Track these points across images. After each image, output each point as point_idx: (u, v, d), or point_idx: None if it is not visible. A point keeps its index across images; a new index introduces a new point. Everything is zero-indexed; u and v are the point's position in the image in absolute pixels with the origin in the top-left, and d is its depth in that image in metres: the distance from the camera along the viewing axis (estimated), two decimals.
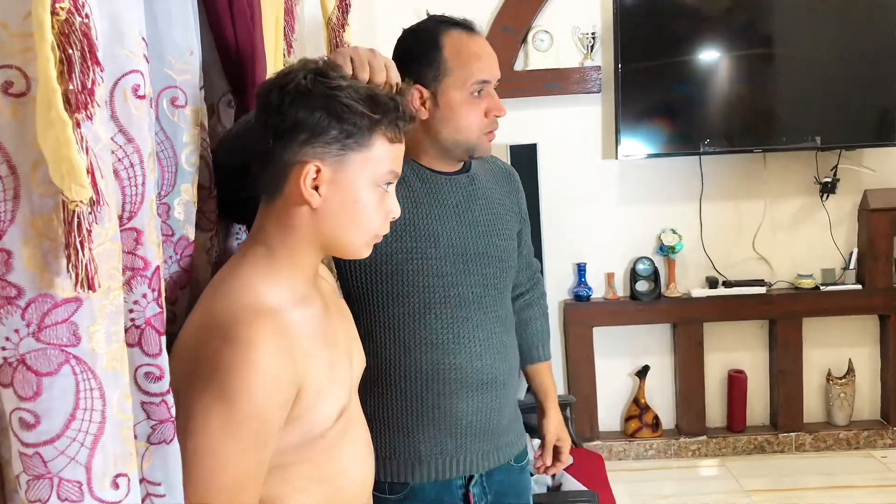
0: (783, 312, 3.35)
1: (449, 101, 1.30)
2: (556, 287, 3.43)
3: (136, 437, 0.81)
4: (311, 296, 1.01)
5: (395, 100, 0.99)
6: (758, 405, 3.49)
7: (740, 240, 3.39)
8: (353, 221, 0.98)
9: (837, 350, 3.45)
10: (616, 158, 3.25)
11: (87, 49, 0.65)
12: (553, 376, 1.64)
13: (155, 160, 0.87)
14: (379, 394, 1.32)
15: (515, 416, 1.47)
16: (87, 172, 0.67)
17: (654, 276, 3.36)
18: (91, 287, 0.68)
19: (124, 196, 0.79)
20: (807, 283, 3.33)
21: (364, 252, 1.04)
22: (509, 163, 3.13)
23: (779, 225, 3.37)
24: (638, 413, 3.45)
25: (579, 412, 3.40)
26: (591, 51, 3.26)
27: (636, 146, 3.22)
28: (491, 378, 1.36)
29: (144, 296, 0.80)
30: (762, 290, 3.33)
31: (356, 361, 1.11)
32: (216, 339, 0.88)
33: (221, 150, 1.07)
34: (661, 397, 3.49)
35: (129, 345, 0.80)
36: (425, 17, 3.25)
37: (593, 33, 3.24)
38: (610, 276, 3.41)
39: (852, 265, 3.34)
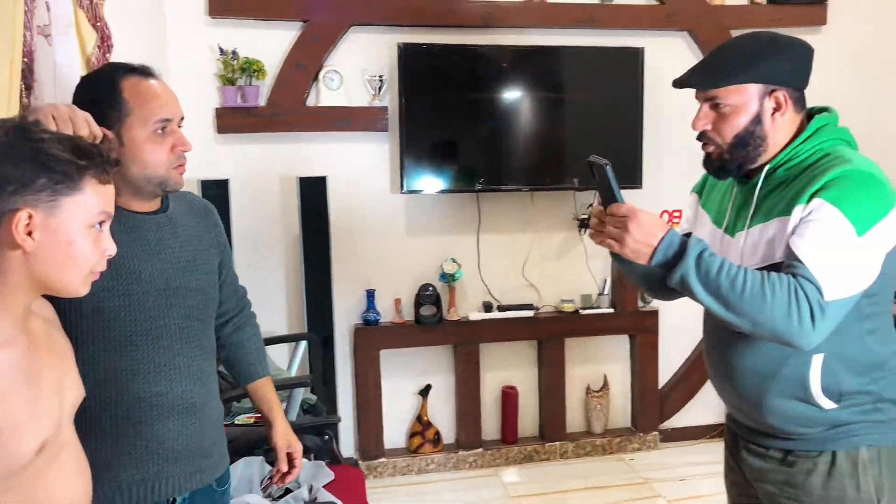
0: (549, 333, 3.75)
1: (133, 140, 1.39)
2: (347, 313, 3.60)
3: None
4: (14, 337, 1.08)
5: (98, 146, 1.12)
6: (528, 418, 3.85)
7: (512, 268, 3.75)
8: (68, 262, 1.08)
9: (595, 366, 3.90)
10: (402, 193, 3.50)
11: None
12: (274, 390, 1.77)
13: None
14: (79, 429, 1.34)
15: (218, 439, 1.58)
16: None
17: (437, 301, 3.63)
18: None
19: None
20: (568, 307, 3.75)
21: (82, 290, 1.13)
22: (298, 193, 3.31)
23: (545, 256, 3.77)
24: (420, 430, 3.70)
25: (366, 431, 3.59)
26: (380, 92, 3.49)
27: (420, 182, 3.48)
28: (191, 403, 1.47)
29: None
30: (531, 313, 3.70)
31: (69, 392, 1.18)
32: None
33: None
34: (443, 414, 3.76)
35: None
36: (219, 51, 3.35)
37: (381, 76, 3.47)
38: (397, 302, 3.64)
39: (606, 291, 3.80)
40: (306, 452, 2.75)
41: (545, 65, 3.56)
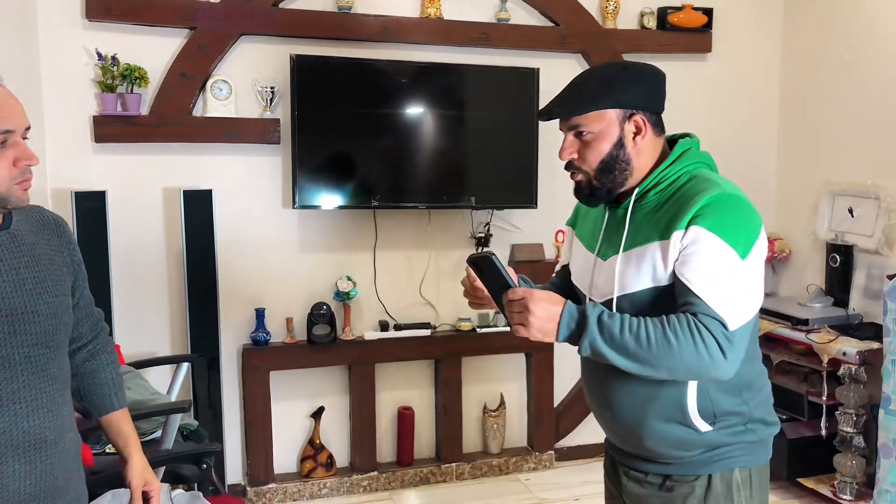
0: (446, 352, 3.70)
1: None
2: (235, 332, 3.46)
3: None
4: None
5: None
6: (425, 439, 3.79)
7: (409, 287, 3.69)
8: None
9: (492, 385, 3.88)
10: (294, 208, 3.39)
11: None
12: (131, 422, 1.65)
13: None
14: None
15: (75, 475, 1.46)
16: None
17: (331, 320, 3.52)
18: None
19: None
20: (466, 326, 3.72)
21: None
22: (182, 206, 3.15)
23: (442, 273, 3.73)
24: (313, 453, 3.57)
25: (255, 456, 3.44)
26: (271, 104, 3.38)
27: (314, 197, 3.38)
28: (40, 439, 1.34)
29: None
30: (428, 332, 3.65)
31: None
32: None
33: None
34: (336, 437, 3.65)
35: None
36: (97, 56, 3.17)
37: (272, 87, 3.37)
38: (289, 321, 3.52)
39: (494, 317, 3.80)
40: (183, 481, 2.62)
41: (442, 82, 3.54)
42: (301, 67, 3.30)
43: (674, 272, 1.40)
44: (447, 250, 3.72)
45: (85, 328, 1.60)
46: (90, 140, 3.16)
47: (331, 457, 3.59)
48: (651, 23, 3.86)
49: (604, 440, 1.72)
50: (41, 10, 3.06)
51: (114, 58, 3.10)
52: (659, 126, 1.53)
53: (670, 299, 1.41)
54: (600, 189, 1.51)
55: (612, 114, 1.48)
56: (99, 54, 3.09)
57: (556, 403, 3.92)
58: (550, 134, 3.67)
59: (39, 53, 3.07)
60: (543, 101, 3.57)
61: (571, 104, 1.50)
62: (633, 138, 1.49)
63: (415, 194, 3.55)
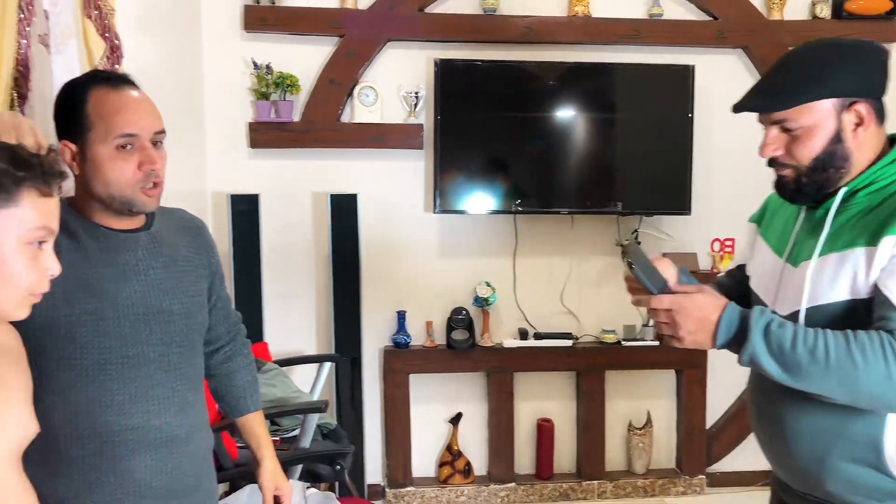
0: (588, 365, 3.55)
1: (94, 156, 1.28)
2: (376, 334, 3.50)
3: None
4: None
5: (39, 156, 1.03)
6: (564, 453, 3.65)
7: (550, 294, 3.57)
8: (1, 282, 0.99)
9: (638, 402, 3.67)
10: (435, 213, 3.38)
11: None
12: (264, 424, 1.66)
13: None
14: (47, 464, 1.27)
15: (205, 474, 1.47)
16: None
17: (470, 325, 3.48)
18: None
19: None
20: (610, 338, 3.54)
21: (20, 313, 1.04)
22: (329, 210, 3.24)
23: (585, 282, 3.58)
24: (451, 459, 3.55)
25: (394, 458, 3.47)
26: (415, 109, 3.40)
27: (455, 201, 3.36)
28: (170, 436, 1.36)
29: None
30: (569, 342, 3.51)
31: (12, 430, 1.07)
32: None
33: None
34: (474, 444, 3.60)
35: None
36: (252, 65, 3.33)
37: (416, 93, 3.38)
38: (429, 325, 3.52)
39: (651, 322, 3.58)
40: (321, 480, 2.66)
41: (590, 82, 3.41)
42: (445, 72, 3.29)
43: (875, 284, 1.20)
44: (590, 258, 3.57)
45: (222, 329, 1.62)
46: (246, 146, 3.32)
47: (468, 464, 3.55)
48: (825, 11, 3.50)
49: (769, 473, 1.50)
50: (205, 22, 3.26)
51: (268, 66, 3.24)
52: (881, 114, 1.30)
53: (867, 317, 1.21)
54: (809, 186, 1.31)
55: (827, 104, 1.26)
56: (255, 63, 3.25)
57: (708, 425, 3.65)
58: (707, 135, 3.45)
59: (203, 63, 3.27)
60: (699, 101, 3.36)
61: (775, 96, 1.29)
62: (854, 130, 1.27)
63: (558, 199, 3.44)
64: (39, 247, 1.03)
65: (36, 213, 1.01)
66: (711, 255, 3.60)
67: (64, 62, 1.79)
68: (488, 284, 3.49)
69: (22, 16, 1.64)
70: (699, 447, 3.62)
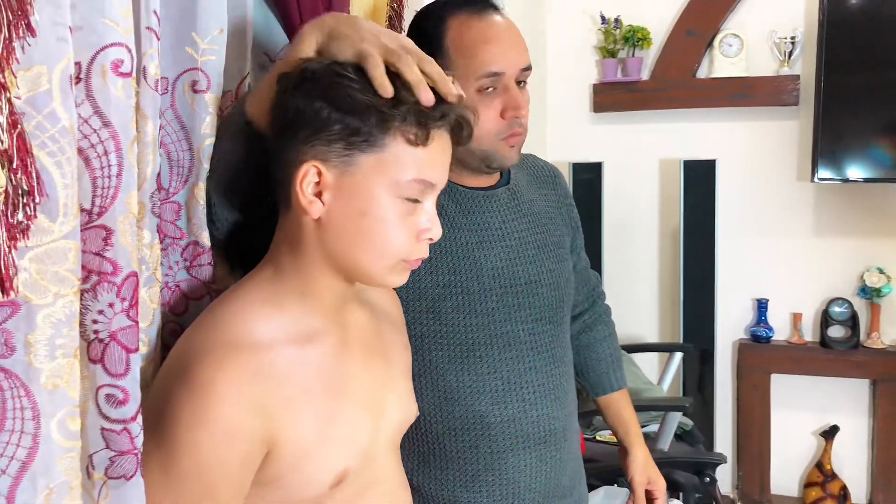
0: None
1: None
2: (731, 324, 3.04)
3: (93, 468, 0.70)
4: (324, 332, 0.83)
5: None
6: None
7: None
8: (362, 239, 0.79)
9: None
10: (812, 182, 2.80)
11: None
12: (632, 406, 1.37)
13: (150, 148, 0.76)
14: (419, 453, 1.12)
15: (578, 473, 1.23)
16: (5, 156, 0.56)
17: (852, 321, 2.86)
18: (5, 292, 0.57)
19: (95, 188, 0.68)
20: None
21: (393, 279, 0.83)
22: (682, 179, 2.85)
23: None
24: (821, 480, 2.95)
25: (748, 469, 2.98)
26: (790, 58, 2.84)
27: (840, 168, 2.75)
28: (550, 430, 1.13)
29: (111, 305, 0.69)
30: None
31: (391, 412, 0.91)
32: (175, 377, 0.75)
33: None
34: (853, 466, 2.96)
35: (92, 360, 0.69)
36: (600, 20, 3.02)
37: (793, 38, 2.82)
38: (796, 317, 2.96)
39: None
40: (675, 489, 2.30)
41: None
42: (834, 15, 2.67)
43: None
44: None
45: (581, 295, 1.37)
46: (588, 110, 3.06)
47: (844, 488, 2.92)
48: None
49: None
50: None
51: (616, 20, 2.92)
52: None
53: None
54: None
55: None
56: (602, 17, 2.95)
57: None
58: None
59: (546, 25, 3.06)
60: None
61: None
62: None
63: None
64: (414, 203, 0.80)
65: (408, 160, 0.77)
66: None
67: None
68: (881, 271, 2.82)
69: None
70: None
